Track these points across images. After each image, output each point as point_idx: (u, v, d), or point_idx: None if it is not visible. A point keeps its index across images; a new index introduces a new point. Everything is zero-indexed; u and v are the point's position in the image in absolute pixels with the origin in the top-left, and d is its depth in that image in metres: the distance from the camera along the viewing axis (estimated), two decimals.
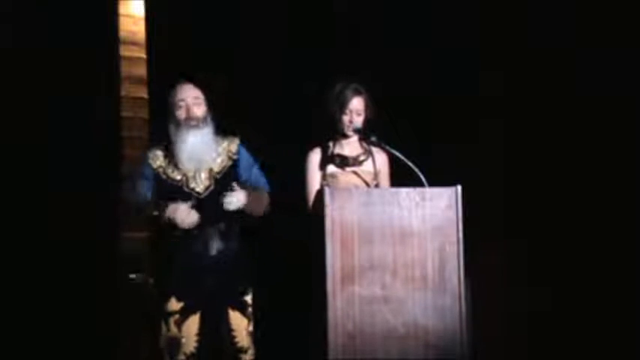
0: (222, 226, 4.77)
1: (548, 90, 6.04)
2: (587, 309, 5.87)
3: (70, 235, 5.89)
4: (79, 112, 5.92)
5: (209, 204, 4.78)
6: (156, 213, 4.74)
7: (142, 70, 5.99)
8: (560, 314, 5.95)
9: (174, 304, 4.72)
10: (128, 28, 6.00)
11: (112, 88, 5.93)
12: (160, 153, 4.89)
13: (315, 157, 4.97)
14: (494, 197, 6.05)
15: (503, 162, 6.13)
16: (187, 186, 4.82)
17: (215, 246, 4.76)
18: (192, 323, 4.71)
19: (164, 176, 4.84)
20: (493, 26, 6.16)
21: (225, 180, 4.84)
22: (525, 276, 6.04)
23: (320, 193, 4.39)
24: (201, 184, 4.83)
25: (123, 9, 6.02)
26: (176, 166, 4.82)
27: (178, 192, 4.79)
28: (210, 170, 4.84)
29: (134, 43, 6.00)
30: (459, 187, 4.36)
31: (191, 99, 4.83)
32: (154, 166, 4.86)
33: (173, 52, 6.08)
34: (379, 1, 6.32)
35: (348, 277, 4.27)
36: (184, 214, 4.71)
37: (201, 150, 4.82)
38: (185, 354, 4.69)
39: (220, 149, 4.89)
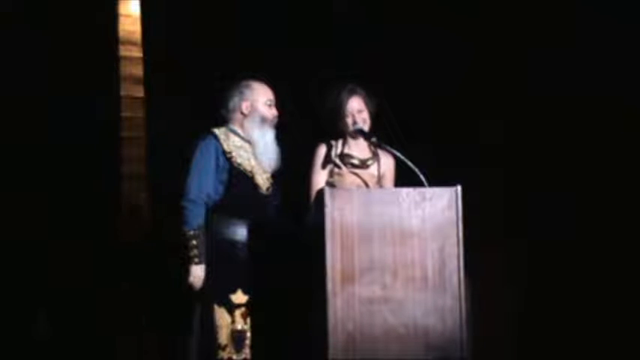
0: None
1: (548, 90, 6.04)
2: (587, 309, 5.87)
3: (70, 236, 5.90)
4: (78, 112, 5.92)
5: (269, 205, 4.81)
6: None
7: (140, 70, 5.98)
8: (560, 314, 5.95)
9: (241, 297, 4.69)
10: (127, 27, 5.99)
11: (111, 88, 5.92)
12: (233, 136, 4.82)
13: (322, 152, 4.90)
14: (494, 197, 6.05)
15: (503, 162, 6.13)
16: (255, 180, 4.80)
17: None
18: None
19: (236, 163, 4.77)
20: (493, 26, 6.17)
21: (273, 186, 4.87)
22: (525, 276, 6.04)
23: (320, 194, 4.38)
24: (263, 183, 4.83)
25: (122, 9, 6.01)
26: (242, 158, 4.78)
27: (249, 183, 4.77)
28: (267, 172, 4.86)
29: (133, 43, 5.99)
30: (459, 187, 4.34)
31: (273, 100, 4.88)
32: (225, 148, 4.78)
33: (170, 51, 6.08)
34: (379, 1, 6.32)
35: (348, 278, 4.26)
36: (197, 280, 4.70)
37: (276, 150, 4.86)
38: (249, 347, 4.66)
39: None
